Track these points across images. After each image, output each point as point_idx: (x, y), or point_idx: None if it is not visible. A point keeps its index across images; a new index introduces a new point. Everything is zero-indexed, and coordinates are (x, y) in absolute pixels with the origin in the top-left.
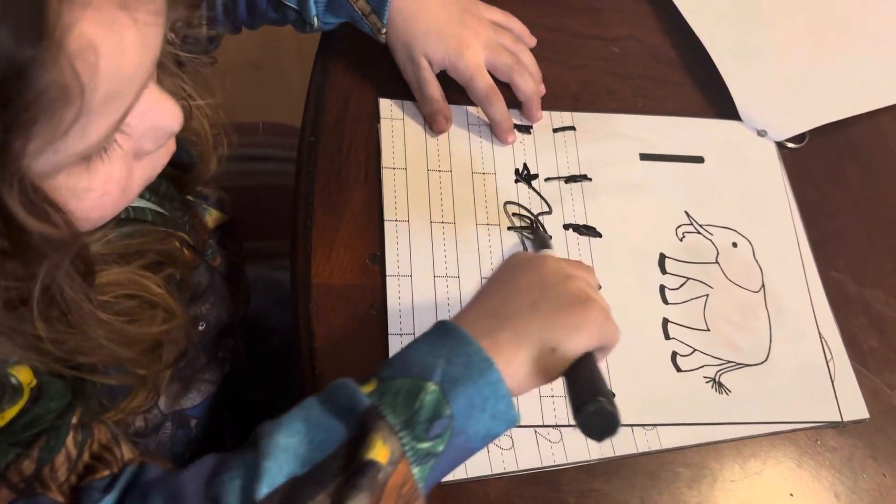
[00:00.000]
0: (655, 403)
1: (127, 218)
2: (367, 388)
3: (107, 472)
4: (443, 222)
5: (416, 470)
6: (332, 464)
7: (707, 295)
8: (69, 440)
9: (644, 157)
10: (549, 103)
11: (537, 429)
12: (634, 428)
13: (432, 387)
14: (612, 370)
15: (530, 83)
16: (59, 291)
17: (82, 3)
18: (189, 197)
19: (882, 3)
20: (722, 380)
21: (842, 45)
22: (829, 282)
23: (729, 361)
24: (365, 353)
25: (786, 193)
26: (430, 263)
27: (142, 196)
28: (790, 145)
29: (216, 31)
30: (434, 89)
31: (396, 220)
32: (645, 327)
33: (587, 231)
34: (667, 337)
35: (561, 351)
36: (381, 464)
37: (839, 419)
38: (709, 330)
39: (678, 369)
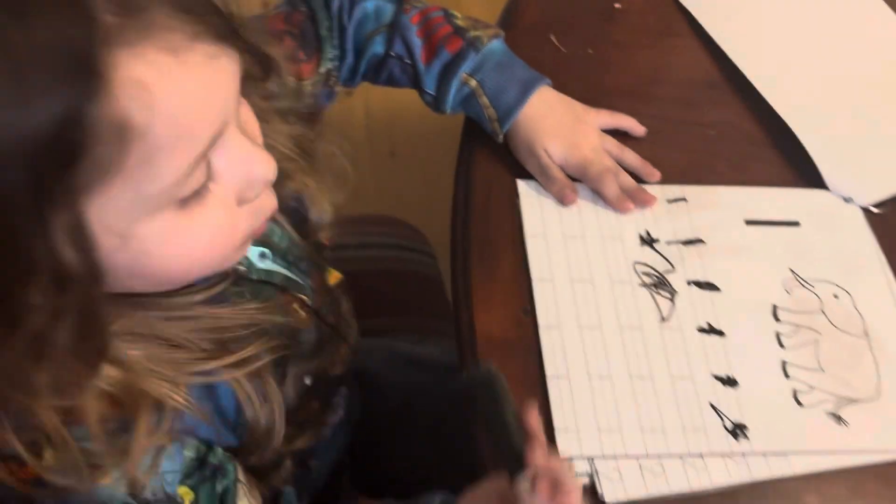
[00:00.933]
0: (785, 434)
1: (258, 279)
2: None
3: None
4: (581, 280)
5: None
6: None
7: (818, 340)
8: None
9: (749, 222)
10: (660, 182)
11: (684, 457)
12: (768, 455)
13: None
14: (742, 408)
15: (629, 182)
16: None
17: (126, 46)
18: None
19: None
20: (841, 413)
21: None
22: None
23: (845, 397)
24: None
25: (876, 251)
26: (574, 315)
27: (274, 260)
28: (875, 210)
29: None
30: (556, 171)
31: (541, 280)
32: (766, 369)
33: (707, 286)
34: (786, 376)
35: None
36: None
37: None
38: (823, 370)
39: (800, 404)
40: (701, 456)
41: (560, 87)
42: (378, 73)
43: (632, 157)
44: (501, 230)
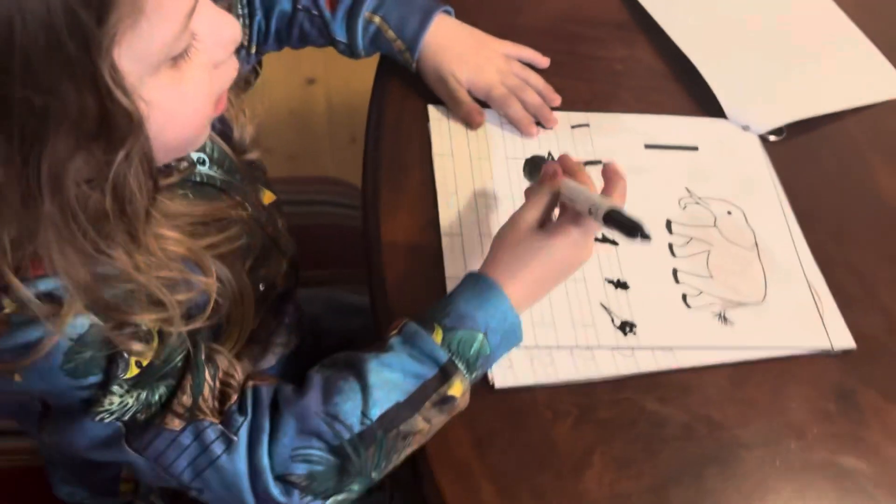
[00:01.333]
0: (672, 331)
1: (200, 182)
2: (436, 338)
3: (235, 396)
4: (485, 195)
5: (468, 389)
6: (423, 394)
7: (708, 251)
8: (206, 375)
9: (648, 146)
10: (566, 106)
11: (573, 349)
12: (655, 350)
13: (481, 337)
14: (633, 307)
15: (534, 98)
16: (129, 194)
17: None
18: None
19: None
20: (727, 314)
21: (815, 47)
22: (812, 244)
23: (731, 300)
24: (425, 290)
25: (770, 175)
26: (475, 224)
27: (210, 167)
28: (771, 137)
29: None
30: (463, 94)
31: (446, 194)
32: (657, 276)
33: None
34: (677, 281)
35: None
36: (457, 397)
37: (829, 346)
38: (712, 277)
39: (688, 306)
40: (589, 348)
41: (473, 25)
42: (290, 31)
43: (536, 79)
44: (411, 150)
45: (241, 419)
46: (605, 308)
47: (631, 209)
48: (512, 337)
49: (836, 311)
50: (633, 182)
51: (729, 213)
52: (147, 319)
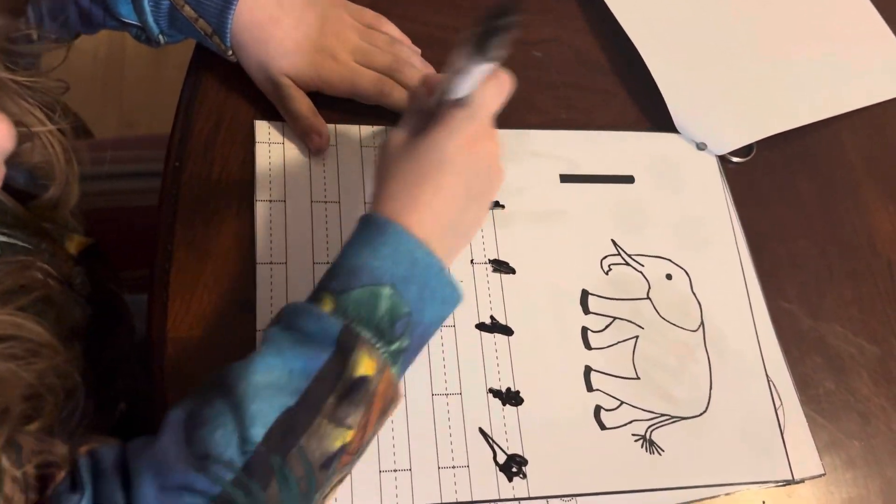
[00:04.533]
0: (576, 469)
1: None
2: (326, 307)
3: (62, 474)
4: (328, 263)
5: (393, 370)
6: (320, 388)
7: (637, 336)
8: (5, 464)
9: (565, 178)
10: None
11: None
12: (551, 500)
13: (387, 291)
14: (524, 432)
15: (414, 75)
16: None
17: None
18: (45, 224)
19: (829, 9)
20: (653, 437)
21: (789, 51)
22: (779, 315)
23: (662, 415)
24: None
25: (729, 214)
26: None
27: None
28: (735, 160)
29: (47, 41)
30: (299, 104)
31: (272, 263)
32: (564, 379)
33: (499, 267)
34: (589, 388)
35: (477, 226)
36: (371, 375)
37: (790, 477)
38: (638, 378)
39: (602, 426)
40: None
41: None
42: (65, 10)
43: (408, 51)
44: (225, 188)
45: (75, 498)
46: (485, 436)
47: (540, 274)
48: (437, 285)
49: (802, 420)
50: (542, 232)
51: (668, 276)
52: None
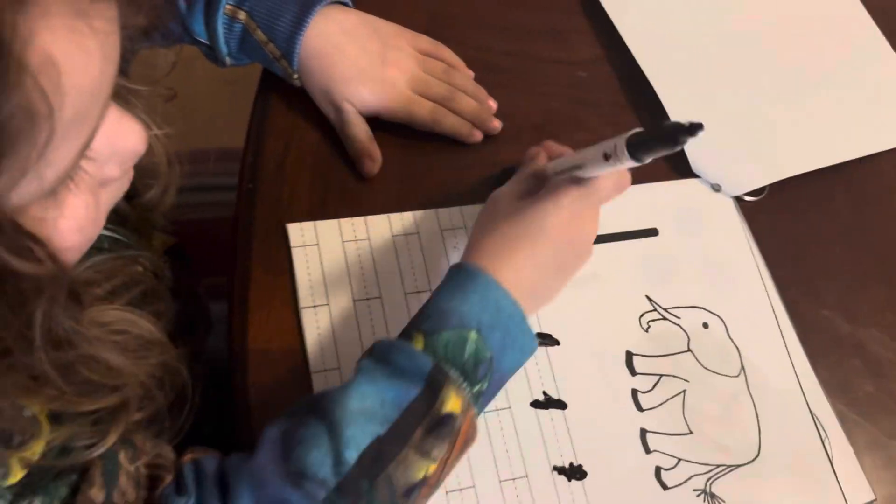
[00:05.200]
0: None
1: None
2: (418, 345)
3: (169, 478)
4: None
5: (475, 410)
6: (410, 419)
7: (684, 391)
8: (122, 459)
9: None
10: (510, 135)
11: None
12: None
13: (474, 335)
14: (592, 501)
15: (470, 104)
16: (59, 324)
17: (38, 13)
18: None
19: (848, 47)
20: (713, 489)
21: (805, 94)
22: (818, 322)
23: (718, 465)
24: None
25: (751, 252)
26: None
27: None
28: (748, 199)
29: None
30: (358, 129)
31: (325, 371)
32: (623, 444)
33: (544, 340)
34: (647, 451)
35: (554, 296)
36: (457, 413)
37: None
38: (691, 433)
39: (664, 486)
40: None
41: (400, 17)
42: (166, 38)
43: (462, 79)
44: (297, 209)
45: (181, 501)
46: None
47: (583, 341)
48: (518, 334)
49: (848, 449)
50: (578, 298)
51: (705, 325)
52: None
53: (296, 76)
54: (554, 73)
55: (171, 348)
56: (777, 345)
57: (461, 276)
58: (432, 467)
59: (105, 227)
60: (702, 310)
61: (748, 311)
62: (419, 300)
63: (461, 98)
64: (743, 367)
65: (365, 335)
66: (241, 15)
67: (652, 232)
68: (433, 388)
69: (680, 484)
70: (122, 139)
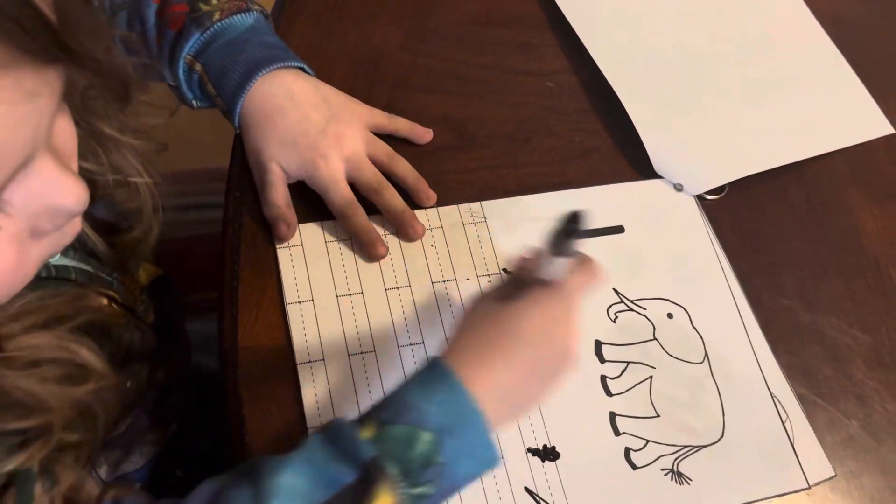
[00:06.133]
0: None
1: (48, 276)
2: (366, 433)
3: None
4: (361, 353)
5: None
6: None
7: (651, 377)
8: (38, 490)
9: None
10: (484, 142)
11: None
12: None
13: (427, 436)
14: (565, 482)
15: (394, 203)
16: None
17: None
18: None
19: (800, 53)
20: (680, 468)
21: (762, 96)
22: (781, 311)
23: (685, 446)
24: (295, 418)
25: (713, 247)
26: (355, 410)
27: (64, 254)
28: (709, 197)
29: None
30: (278, 195)
31: (310, 362)
32: (593, 426)
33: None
34: (616, 433)
35: (535, 404)
36: None
37: (806, 485)
38: (658, 416)
39: (633, 466)
40: None
41: (379, 32)
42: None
43: (404, 170)
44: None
45: None
46: (531, 494)
47: None
48: (478, 444)
49: (808, 429)
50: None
51: (670, 315)
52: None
53: (237, 132)
54: (524, 83)
55: (111, 376)
56: (739, 333)
57: (433, 372)
58: None
59: (75, 259)
60: (666, 301)
61: (711, 301)
62: (399, 296)
63: (387, 194)
64: (707, 355)
65: (348, 328)
66: (198, 67)
67: (618, 229)
68: (367, 479)
69: (649, 464)
70: (55, 197)
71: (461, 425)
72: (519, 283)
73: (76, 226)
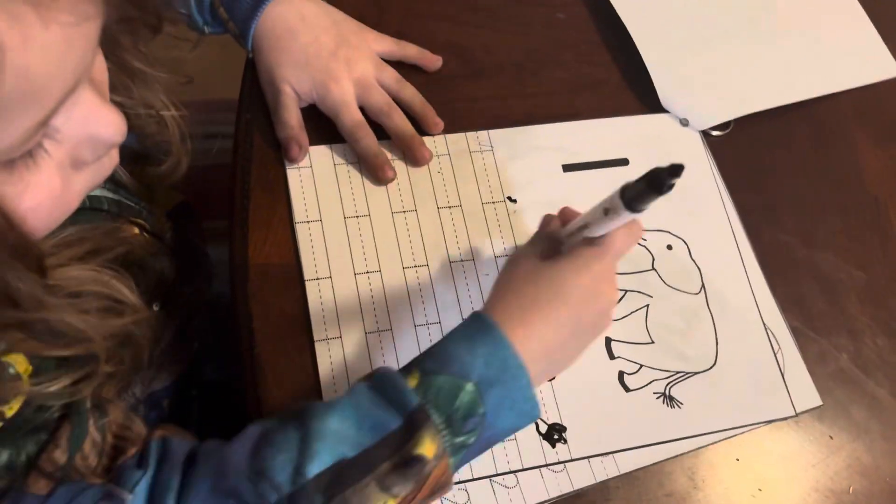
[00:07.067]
0: (608, 430)
1: (82, 207)
2: (411, 382)
3: (133, 450)
4: (367, 272)
5: (451, 460)
6: (381, 451)
7: (647, 305)
8: (90, 426)
9: (567, 168)
10: (493, 71)
11: (492, 478)
12: (591, 459)
13: (470, 387)
14: (560, 402)
15: (402, 126)
16: (6, 284)
17: None
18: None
19: (806, 4)
20: (672, 393)
21: (771, 34)
22: (778, 245)
23: (677, 372)
24: (302, 333)
25: (716, 184)
26: (360, 326)
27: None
28: (714, 133)
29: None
30: (291, 114)
31: (318, 279)
32: (589, 351)
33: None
34: (611, 357)
35: (572, 361)
36: (429, 458)
37: (793, 413)
38: (653, 342)
39: (626, 389)
40: (513, 473)
41: None
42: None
43: (411, 95)
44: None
45: (138, 474)
46: None
47: None
48: (519, 397)
49: (798, 360)
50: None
51: (669, 247)
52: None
53: (250, 54)
54: (535, 14)
55: (145, 310)
56: (736, 266)
57: (476, 325)
58: (392, 502)
59: (107, 189)
60: (666, 233)
61: (710, 235)
62: (405, 220)
63: (396, 117)
64: (703, 286)
65: (355, 249)
66: None
67: (623, 161)
68: (411, 426)
69: (641, 387)
70: (97, 127)
71: (503, 378)
72: (554, 241)
73: (114, 158)
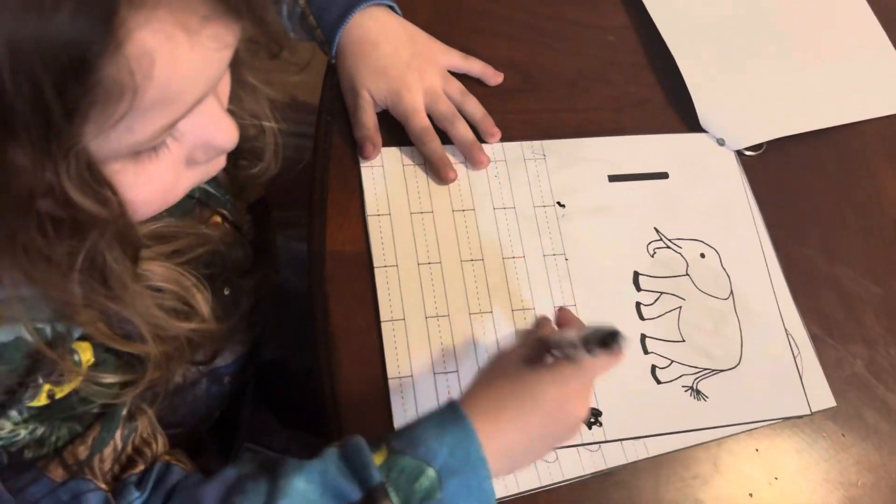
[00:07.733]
0: (640, 417)
1: None
2: (378, 458)
3: (141, 467)
4: (429, 263)
5: None
6: None
7: (680, 307)
8: (118, 434)
9: (612, 178)
10: (547, 87)
11: None
12: (623, 442)
13: (431, 472)
14: (598, 390)
15: (465, 134)
16: (103, 262)
17: (146, 15)
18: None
19: (845, 23)
20: (699, 387)
21: (807, 62)
22: (801, 259)
23: (704, 369)
24: (370, 314)
25: (747, 200)
26: (421, 311)
27: None
28: (748, 153)
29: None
30: (368, 117)
31: (385, 267)
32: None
33: (566, 257)
34: (645, 352)
35: (533, 462)
36: None
37: (808, 411)
38: (684, 341)
39: (658, 381)
40: (552, 449)
41: None
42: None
43: (474, 107)
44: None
45: (135, 494)
46: None
47: (597, 260)
48: (477, 489)
49: (816, 365)
50: (597, 226)
51: (702, 255)
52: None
53: (333, 60)
54: (587, 35)
55: (212, 323)
56: (762, 275)
57: (449, 414)
58: None
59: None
60: (700, 242)
61: (740, 246)
62: (464, 218)
63: (460, 125)
64: (732, 292)
65: (419, 241)
66: (301, 1)
67: (663, 175)
68: (369, 502)
69: (671, 380)
70: (215, 134)
71: (465, 468)
72: (542, 346)
73: (221, 162)
